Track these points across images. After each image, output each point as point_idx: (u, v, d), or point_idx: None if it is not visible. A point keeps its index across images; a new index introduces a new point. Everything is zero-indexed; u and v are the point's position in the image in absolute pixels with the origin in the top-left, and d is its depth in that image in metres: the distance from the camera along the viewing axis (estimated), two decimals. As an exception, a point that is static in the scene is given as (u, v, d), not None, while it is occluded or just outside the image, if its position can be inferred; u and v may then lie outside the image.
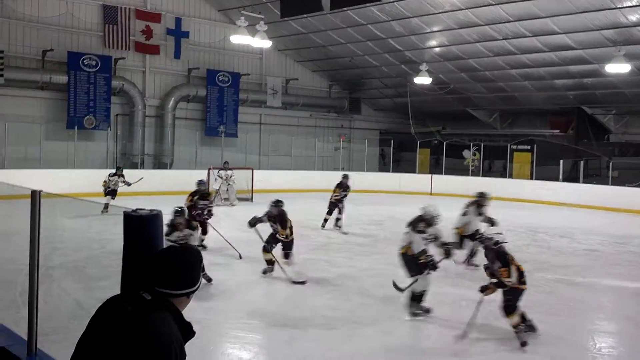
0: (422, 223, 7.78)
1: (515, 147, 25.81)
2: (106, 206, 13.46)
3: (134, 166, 22.10)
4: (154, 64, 23.70)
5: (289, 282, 9.00)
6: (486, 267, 6.78)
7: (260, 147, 26.39)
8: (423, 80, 23.53)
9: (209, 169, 19.80)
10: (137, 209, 2.52)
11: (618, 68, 18.61)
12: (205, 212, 11.06)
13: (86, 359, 2.14)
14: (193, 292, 2.30)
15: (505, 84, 24.62)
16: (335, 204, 14.50)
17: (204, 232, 10.98)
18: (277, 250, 9.40)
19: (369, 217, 16.50)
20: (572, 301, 8.90)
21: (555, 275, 10.17)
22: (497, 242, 6.74)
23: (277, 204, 9.34)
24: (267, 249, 9.34)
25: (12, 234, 5.73)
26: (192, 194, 11.41)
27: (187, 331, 2.23)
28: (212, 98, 24.73)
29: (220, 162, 21.10)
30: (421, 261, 7.55)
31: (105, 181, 15.40)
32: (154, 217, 2.44)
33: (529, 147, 25.13)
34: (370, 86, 29.13)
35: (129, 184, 15.49)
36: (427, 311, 7.56)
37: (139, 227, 2.42)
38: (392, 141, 27.32)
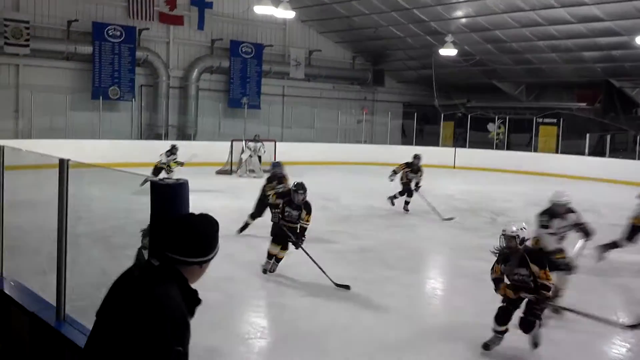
0: (544, 216, 7.01)
1: (541, 120, 25.47)
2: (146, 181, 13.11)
3: (158, 137, 22.26)
4: (177, 34, 23.68)
5: (333, 285, 7.64)
6: (505, 284, 5.61)
7: (283, 119, 26.38)
8: (448, 51, 23.18)
9: (232, 141, 19.87)
10: (164, 178, 2.56)
11: (649, 40, 18.20)
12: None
13: (101, 323, 2.21)
14: (205, 262, 2.25)
15: (531, 55, 24.20)
16: (409, 186, 13.77)
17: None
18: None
19: (392, 190, 16.45)
20: (595, 276, 8.84)
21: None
22: (522, 241, 5.40)
23: (305, 190, 7.94)
24: (278, 241, 8.12)
25: (38, 203, 5.82)
26: (268, 180, 10.48)
27: (193, 299, 2.20)
28: (235, 69, 24.69)
29: (243, 133, 21.19)
30: (559, 260, 6.77)
31: (159, 161, 14.82)
32: (181, 186, 2.47)
33: (555, 120, 24.78)
34: (395, 58, 28.76)
35: (180, 165, 14.85)
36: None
37: (166, 195, 2.45)
38: (415, 114, 27.05)
